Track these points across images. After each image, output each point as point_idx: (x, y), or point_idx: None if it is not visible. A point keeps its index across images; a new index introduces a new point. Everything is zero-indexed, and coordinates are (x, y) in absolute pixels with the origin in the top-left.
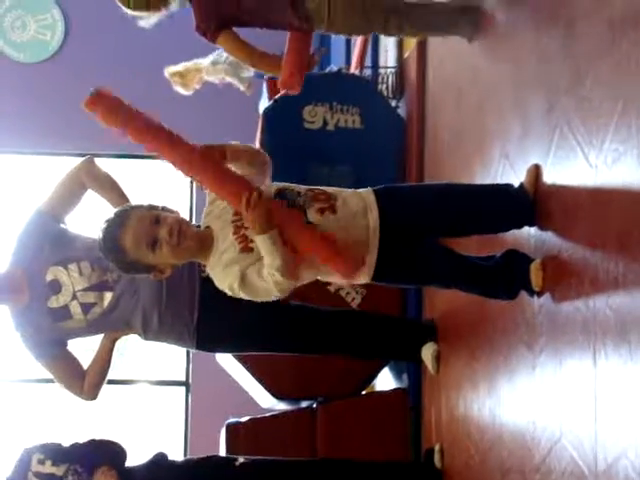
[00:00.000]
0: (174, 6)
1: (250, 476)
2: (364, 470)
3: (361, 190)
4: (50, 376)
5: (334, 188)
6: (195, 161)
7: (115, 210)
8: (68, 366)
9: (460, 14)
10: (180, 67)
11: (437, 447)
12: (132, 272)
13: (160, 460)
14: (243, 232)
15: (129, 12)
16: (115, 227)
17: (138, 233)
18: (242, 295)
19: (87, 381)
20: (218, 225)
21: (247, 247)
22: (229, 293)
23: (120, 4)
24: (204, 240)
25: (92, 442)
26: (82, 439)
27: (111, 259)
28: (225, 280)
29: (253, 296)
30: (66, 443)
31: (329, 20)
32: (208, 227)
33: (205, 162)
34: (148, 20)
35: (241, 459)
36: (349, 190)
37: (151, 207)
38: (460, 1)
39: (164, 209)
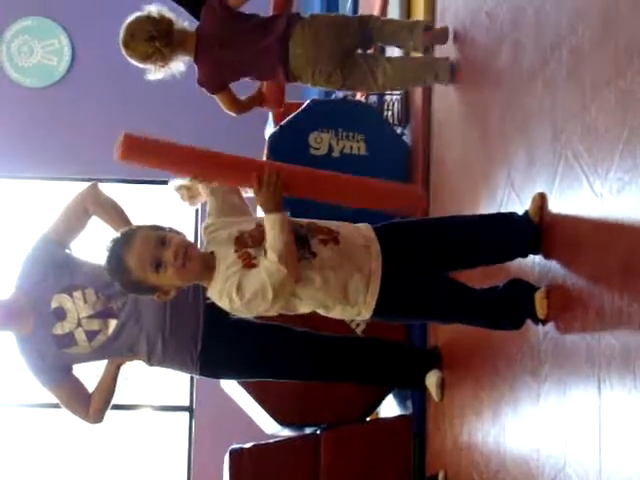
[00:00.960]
0: (179, 66)
1: None
2: None
3: (360, 225)
4: (54, 401)
5: (334, 222)
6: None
7: (121, 230)
8: (73, 391)
9: (434, 62)
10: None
11: (441, 474)
12: (135, 292)
13: None
14: (246, 250)
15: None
16: (120, 246)
17: (143, 253)
18: (239, 306)
19: (92, 406)
20: (221, 250)
21: (250, 263)
22: (228, 309)
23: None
24: (208, 263)
25: None
26: None
27: (115, 278)
28: (224, 291)
29: (250, 304)
30: None
31: (312, 80)
32: (212, 252)
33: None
34: (154, 74)
35: None
36: (349, 225)
37: (157, 228)
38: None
39: (170, 230)
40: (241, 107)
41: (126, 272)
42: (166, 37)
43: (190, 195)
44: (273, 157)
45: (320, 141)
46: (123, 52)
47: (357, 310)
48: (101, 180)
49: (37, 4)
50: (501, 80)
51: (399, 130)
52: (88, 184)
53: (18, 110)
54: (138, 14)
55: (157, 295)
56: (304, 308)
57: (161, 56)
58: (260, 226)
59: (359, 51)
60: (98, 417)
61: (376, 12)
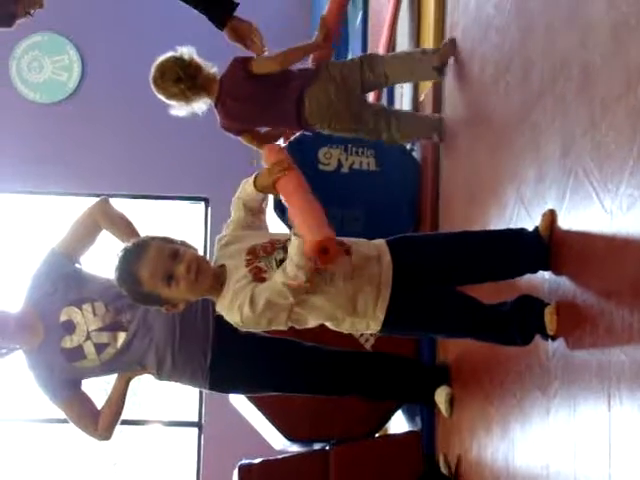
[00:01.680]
0: (201, 107)
1: None
2: None
3: (374, 241)
4: (62, 416)
5: (348, 238)
6: None
7: (134, 240)
8: (82, 407)
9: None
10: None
11: (441, 458)
12: (144, 303)
13: None
14: (256, 264)
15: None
16: (133, 257)
17: (155, 266)
18: (250, 320)
19: (101, 422)
20: (231, 264)
21: (260, 277)
22: (237, 323)
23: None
24: (218, 277)
25: None
26: None
27: (125, 288)
28: (234, 305)
29: (262, 315)
30: None
31: (329, 128)
32: (222, 265)
33: None
34: (177, 111)
35: None
36: (362, 240)
37: (170, 241)
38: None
39: (182, 244)
40: (266, 145)
41: (137, 283)
42: (192, 80)
43: None
44: None
45: (330, 157)
46: (152, 87)
47: (366, 323)
48: (110, 195)
49: (47, 20)
50: (511, 96)
51: (408, 146)
52: (98, 199)
53: (28, 126)
54: (171, 54)
55: (165, 308)
56: (313, 321)
57: (185, 97)
58: (272, 241)
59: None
60: (107, 433)
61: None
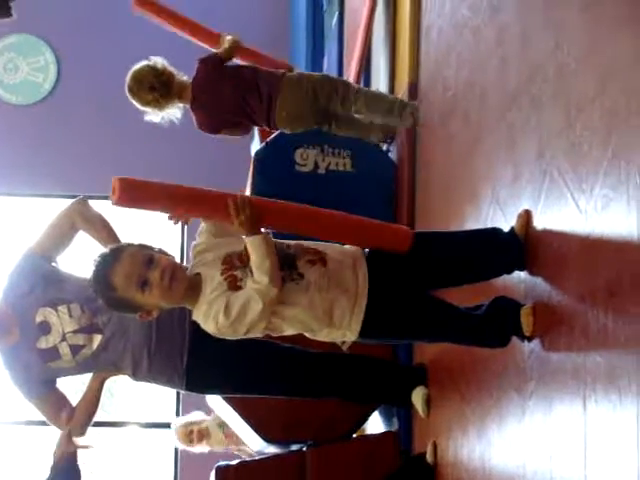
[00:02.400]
0: (175, 112)
1: None
2: None
3: (345, 246)
4: (39, 418)
5: (321, 243)
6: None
7: (110, 246)
8: (57, 405)
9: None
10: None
11: (429, 448)
12: (118, 310)
13: None
14: (232, 273)
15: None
16: (107, 263)
17: (129, 272)
18: (226, 328)
19: (74, 419)
20: (207, 272)
21: (235, 285)
22: (213, 332)
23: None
24: (194, 285)
25: None
26: None
27: (99, 294)
28: (209, 314)
29: (236, 323)
30: None
31: (293, 131)
32: (198, 274)
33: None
34: (151, 117)
35: None
36: (336, 245)
37: (146, 247)
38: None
39: (160, 251)
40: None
41: (111, 289)
42: (165, 88)
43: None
44: (259, 173)
45: (306, 157)
46: (127, 95)
47: (342, 333)
48: (87, 197)
49: (22, 21)
50: (487, 96)
51: (385, 147)
52: (75, 199)
53: (4, 127)
54: (145, 63)
55: (139, 315)
56: (289, 330)
57: (159, 105)
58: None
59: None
60: (81, 431)
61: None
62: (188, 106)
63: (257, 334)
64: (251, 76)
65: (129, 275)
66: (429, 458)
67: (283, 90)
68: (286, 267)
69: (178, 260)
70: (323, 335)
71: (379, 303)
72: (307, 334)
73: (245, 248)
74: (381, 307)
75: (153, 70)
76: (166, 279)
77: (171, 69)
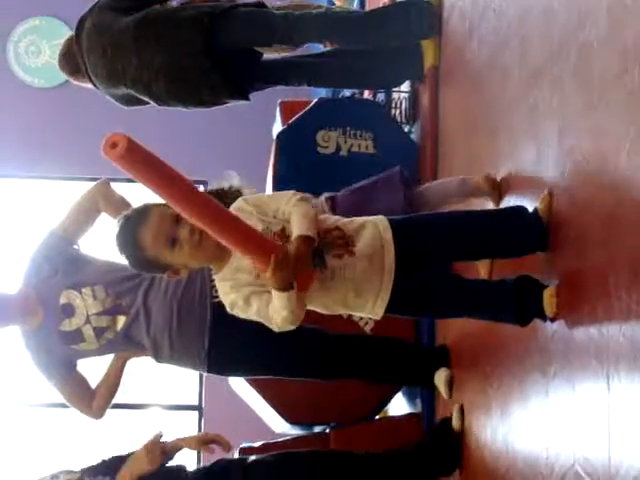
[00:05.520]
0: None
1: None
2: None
3: (377, 221)
4: (61, 400)
5: (353, 225)
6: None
7: (133, 208)
8: (78, 386)
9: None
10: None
11: (456, 412)
12: (145, 270)
13: (177, 470)
14: None
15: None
16: (135, 222)
17: (158, 229)
18: (240, 314)
19: (96, 401)
20: None
21: (263, 284)
22: (228, 307)
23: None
24: (222, 248)
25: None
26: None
27: (126, 255)
28: (229, 295)
29: (252, 317)
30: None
31: None
32: None
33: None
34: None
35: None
36: (367, 224)
37: (170, 207)
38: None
39: None
40: None
41: (139, 248)
42: None
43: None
44: (281, 155)
45: (328, 139)
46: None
47: (365, 314)
48: (109, 180)
49: (44, 4)
50: (508, 77)
51: (407, 128)
52: (98, 181)
53: (27, 110)
54: None
55: (167, 274)
56: (310, 307)
57: None
58: (282, 234)
59: None
60: (100, 413)
61: None
62: None
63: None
64: None
65: (158, 233)
66: (455, 423)
67: None
68: (315, 260)
69: None
70: (341, 312)
71: (402, 287)
72: (323, 311)
73: (282, 229)
74: (403, 291)
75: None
76: (196, 235)
77: None
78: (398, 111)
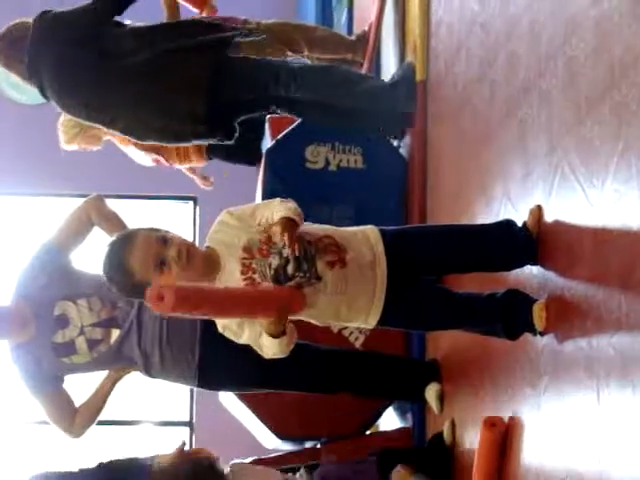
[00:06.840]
0: None
1: None
2: None
3: (368, 231)
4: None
5: (344, 234)
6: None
7: (118, 234)
8: (62, 402)
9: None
10: None
11: (447, 424)
12: (135, 295)
13: None
14: (251, 275)
15: None
16: (121, 248)
17: (146, 253)
18: (231, 336)
19: (79, 419)
20: (225, 253)
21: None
22: (220, 328)
23: None
24: (211, 262)
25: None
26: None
27: (115, 282)
28: None
29: (241, 342)
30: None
31: None
32: (213, 249)
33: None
34: None
35: None
36: (358, 233)
37: (156, 229)
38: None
39: (168, 232)
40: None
41: (128, 274)
42: None
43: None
44: (270, 171)
45: (317, 154)
46: None
47: (357, 325)
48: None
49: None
50: (496, 92)
51: (396, 143)
52: (92, 195)
53: (16, 127)
54: None
55: None
56: (303, 319)
57: None
58: (268, 241)
59: None
60: (80, 431)
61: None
62: None
63: None
64: None
65: (146, 257)
66: (447, 438)
67: None
68: (305, 269)
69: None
70: (337, 325)
71: (394, 298)
72: (317, 323)
73: (268, 237)
74: (396, 302)
75: None
76: (183, 256)
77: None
78: None
